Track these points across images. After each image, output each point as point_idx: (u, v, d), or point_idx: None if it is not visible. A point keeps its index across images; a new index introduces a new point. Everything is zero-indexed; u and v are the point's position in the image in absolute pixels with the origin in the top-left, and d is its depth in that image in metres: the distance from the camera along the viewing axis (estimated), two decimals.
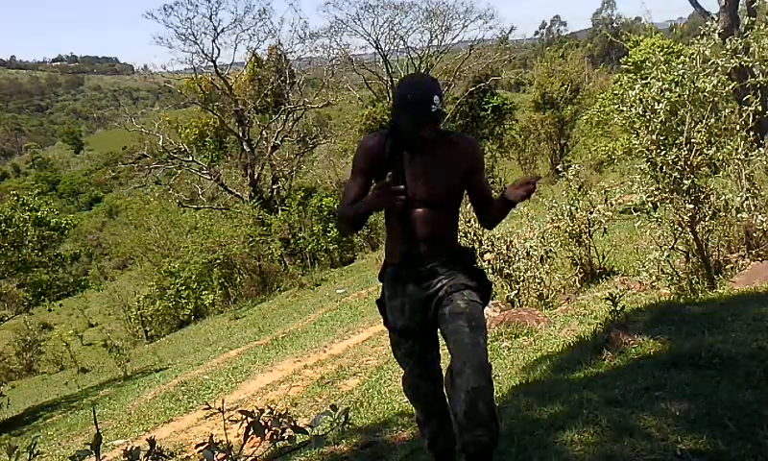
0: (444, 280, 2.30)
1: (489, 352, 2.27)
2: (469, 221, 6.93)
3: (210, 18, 23.20)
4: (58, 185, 65.76)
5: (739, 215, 5.84)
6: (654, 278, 6.10)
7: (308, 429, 2.08)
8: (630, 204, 9.24)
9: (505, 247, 7.08)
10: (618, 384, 3.22)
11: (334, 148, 27.39)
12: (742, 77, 7.80)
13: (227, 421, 2.08)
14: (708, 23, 6.32)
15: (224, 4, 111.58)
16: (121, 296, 21.98)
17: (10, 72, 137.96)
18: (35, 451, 2.09)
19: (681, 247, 5.97)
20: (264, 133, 24.23)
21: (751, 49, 6.61)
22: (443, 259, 2.31)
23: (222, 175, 23.86)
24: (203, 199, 24.64)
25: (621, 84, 13.06)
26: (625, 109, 6.16)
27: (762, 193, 6.01)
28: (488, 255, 7.00)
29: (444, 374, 2.35)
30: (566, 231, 7.72)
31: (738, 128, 5.94)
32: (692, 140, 5.59)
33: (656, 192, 5.79)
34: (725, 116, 5.92)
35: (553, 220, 8.02)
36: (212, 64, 23.55)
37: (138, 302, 19.49)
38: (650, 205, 5.89)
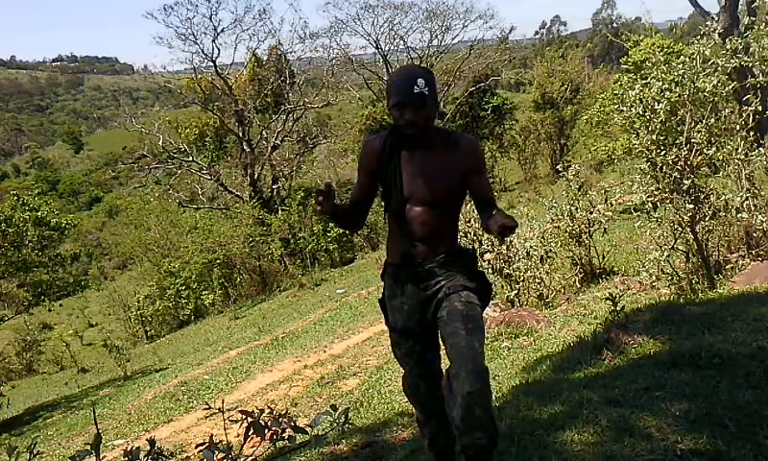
0: (442, 281, 2.29)
1: (487, 353, 2.26)
2: (469, 221, 6.92)
3: (210, 18, 23.28)
4: (58, 185, 65.77)
5: (739, 215, 5.84)
6: (654, 278, 6.10)
7: (308, 429, 2.08)
8: (630, 204, 9.24)
9: (505, 247, 7.07)
10: (618, 384, 3.22)
11: (334, 148, 27.41)
12: (742, 77, 7.81)
13: (227, 421, 2.09)
14: (708, 23, 6.33)
15: (224, 4, 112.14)
16: (121, 296, 21.97)
17: (10, 72, 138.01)
18: (35, 451, 2.09)
19: (681, 247, 5.97)
20: (264, 133, 24.24)
21: (751, 49, 6.61)
22: (441, 260, 2.30)
23: (222, 175, 23.86)
24: (203, 199, 24.65)
25: (621, 84, 13.06)
26: (625, 109, 6.16)
27: (762, 193, 6.01)
28: (488, 255, 7.00)
29: (444, 374, 2.35)
30: (566, 231, 7.72)
31: (738, 128, 5.94)
32: (692, 140, 5.59)
33: (656, 192, 5.79)
34: (725, 116, 5.92)
35: (553, 220, 8.02)
36: (212, 64, 23.58)
37: (138, 302, 19.48)
38: (650, 205, 5.89)
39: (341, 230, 19.21)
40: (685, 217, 5.62)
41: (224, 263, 18.47)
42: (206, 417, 6.22)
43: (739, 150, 5.87)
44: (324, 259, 21.23)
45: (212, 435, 2.06)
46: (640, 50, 18.48)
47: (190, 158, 24.04)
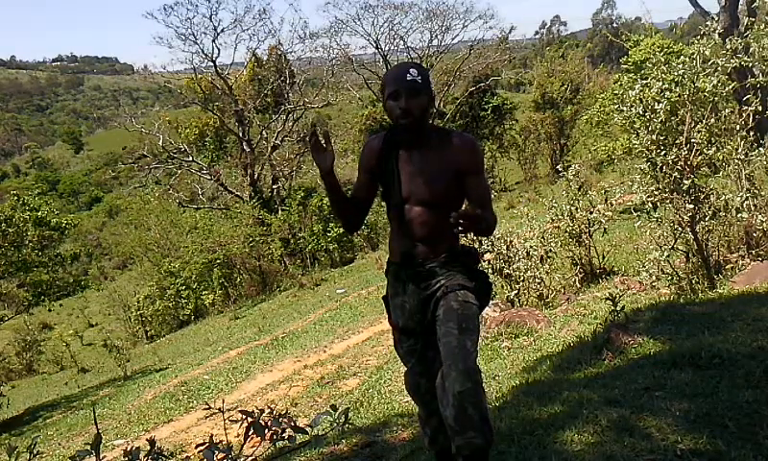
0: (442, 281, 2.29)
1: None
2: None
3: (210, 18, 23.22)
4: (58, 185, 65.77)
5: (739, 215, 5.84)
6: (654, 278, 6.10)
7: (308, 429, 2.08)
8: (630, 204, 9.25)
9: (505, 247, 7.07)
10: (618, 384, 3.22)
11: (334, 148, 27.35)
12: (742, 77, 7.82)
13: (227, 421, 2.09)
14: (708, 23, 6.33)
15: (224, 4, 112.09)
16: (121, 296, 21.96)
17: (10, 72, 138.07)
18: (35, 451, 2.09)
19: (681, 247, 5.97)
20: (264, 133, 24.23)
21: (751, 49, 6.62)
22: (442, 260, 2.30)
23: (222, 175, 23.85)
24: (203, 199, 24.63)
25: (621, 84, 13.08)
26: (625, 109, 6.16)
27: (762, 193, 6.01)
28: (488, 255, 7.00)
29: (439, 374, 2.35)
30: (566, 231, 7.72)
31: (738, 128, 5.95)
32: (692, 140, 5.59)
33: (656, 192, 5.79)
34: (725, 116, 5.92)
35: (553, 220, 8.02)
36: (212, 64, 23.54)
37: (138, 302, 19.48)
38: (650, 205, 5.89)
39: (341, 230, 19.21)
40: (685, 217, 5.62)
41: (224, 263, 18.47)
42: (206, 417, 6.22)
43: (739, 150, 5.87)
44: (324, 259, 21.23)
45: (212, 435, 2.06)
46: (640, 50, 18.51)
47: (190, 158, 24.02)
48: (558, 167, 16.00)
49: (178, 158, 23.92)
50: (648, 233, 6.39)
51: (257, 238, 18.87)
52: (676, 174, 5.62)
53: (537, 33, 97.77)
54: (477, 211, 2.09)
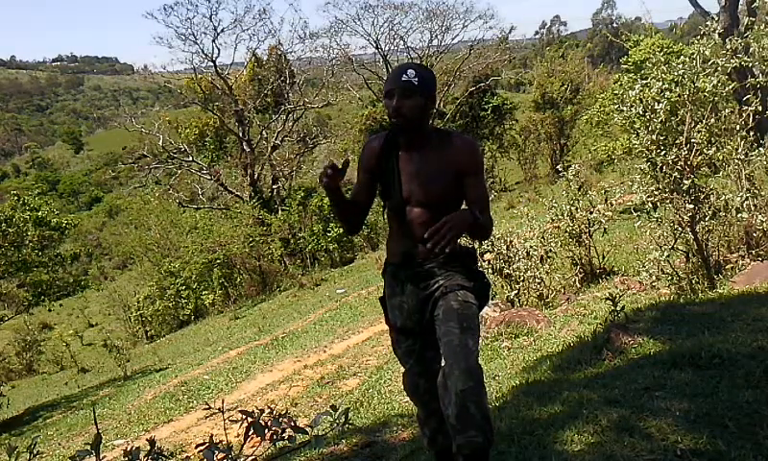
0: (440, 281, 2.29)
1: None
2: None
3: (210, 18, 23.23)
4: (58, 185, 65.77)
5: (739, 215, 5.84)
6: (654, 278, 6.10)
7: (308, 429, 2.08)
8: (630, 204, 9.25)
9: (505, 247, 7.07)
10: (618, 384, 3.22)
11: (334, 148, 27.37)
12: (742, 77, 7.82)
13: (227, 421, 2.09)
14: (708, 23, 6.33)
15: (224, 4, 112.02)
16: (121, 296, 21.96)
17: (10, 72, 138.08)
18: (35, 451, 2.09)
19: (681, 247, 5.97)
20: (264, 133, 24.24)
21: (751, 49, 6.62)
22: (441, 260, 2.30)
23: (222, 175, 23.85)
24: (203, 199, 24.63)
25: (621, 84, 13.10)
26: (625, 109, 6.16)
27: (762, 193, 6.01)
28: (488, 255, 7.00)
29: (440, 373, 2.35)
30: (566, 231, 7.72)
31: (738, 128, 5.95)
32: (692, 140, 5.59)
33: (656, 192, 5.79)
34: (725, 116, 5.92)
35: (553, 220, 8.02)
36: (212, 64, 23.55)
37: (138, 302, 19.48)
38: (650, 205, 5.89)
39: (341, 230, 19.20)
40: (685, 217, 5.62)
41: (224, 263, 18.47)
42: (206, 417, 6.22)
43: (739, 150, 5.87)
44: (324, 259, 21.23)
45: (212, 435, 2.06)
46: (640, 50, 18.53)
47: (190, 158, 24.02)
48: (558, 167, 16.00)
49: (178, 158, 23.92)
50: (648, 233, 6.39)
51: (257, 238, 18.86)
52: (676, 174, 5.62)
53: (537, 33, 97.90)
54: (446, 222, 2.05)
